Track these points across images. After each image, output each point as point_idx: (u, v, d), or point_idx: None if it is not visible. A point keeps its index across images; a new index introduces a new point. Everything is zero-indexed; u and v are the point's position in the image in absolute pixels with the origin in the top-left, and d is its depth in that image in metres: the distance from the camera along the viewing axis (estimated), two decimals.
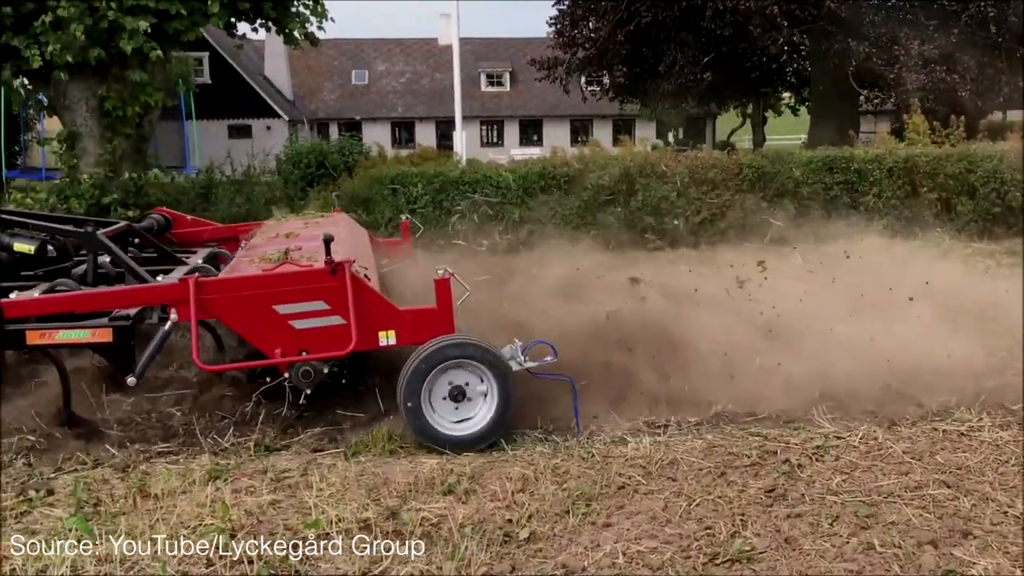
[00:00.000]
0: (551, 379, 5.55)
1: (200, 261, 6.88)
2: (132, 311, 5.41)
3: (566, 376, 5.56)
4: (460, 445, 5.17)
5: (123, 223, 7.30)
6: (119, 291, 5.56)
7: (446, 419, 5.26)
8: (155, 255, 7.29)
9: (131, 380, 5.14)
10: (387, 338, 5.33)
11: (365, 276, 5.51)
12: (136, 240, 7.38)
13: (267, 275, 5.34)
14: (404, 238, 8.22)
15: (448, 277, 5.38)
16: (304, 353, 5.23)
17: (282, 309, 5.20)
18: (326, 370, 5.34)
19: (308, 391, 5.37)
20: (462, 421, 5.27)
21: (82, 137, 15.11)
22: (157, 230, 7.74)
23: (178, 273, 5.83)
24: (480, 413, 5.27)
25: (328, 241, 5.24)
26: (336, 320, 5.21)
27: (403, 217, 8.89)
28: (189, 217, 8.45)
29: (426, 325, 5.33)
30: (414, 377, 5.15)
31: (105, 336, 5.26)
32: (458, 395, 5.24)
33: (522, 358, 5.38)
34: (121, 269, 6.22)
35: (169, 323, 5.25)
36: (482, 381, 5.26)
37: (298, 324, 5.22)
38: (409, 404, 5.16)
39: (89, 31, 13.64)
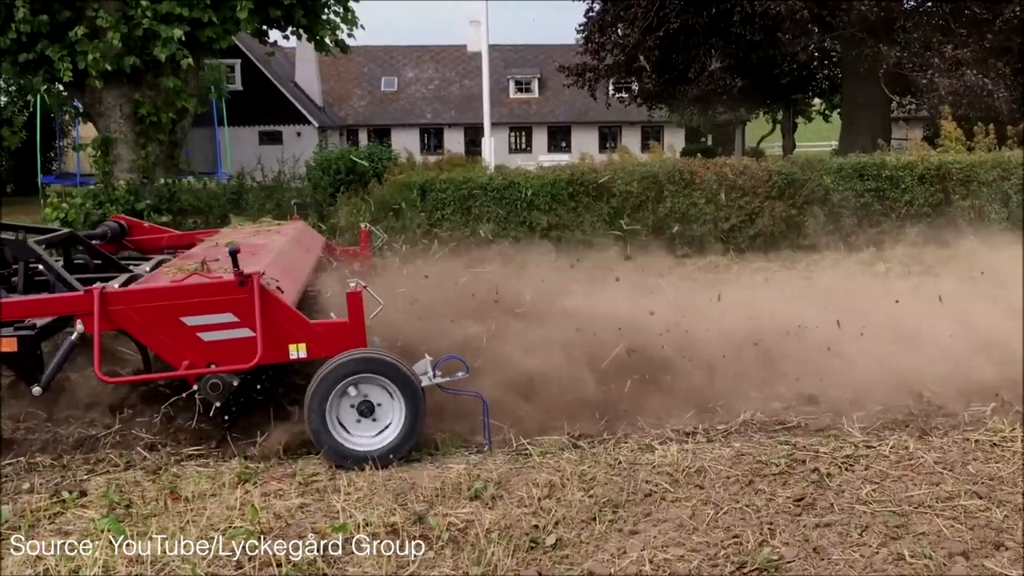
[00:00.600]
0: (461, 395, 5.49)
1: (148, 269, 6.75)
2: (39, 321, 5.38)
3: (475, 392, 5.49)
4: (366, 460, 5.10)
5: (65, 231, 7.23)
6: (22, 301, 5.50)
7: (352, 433, 5.21)
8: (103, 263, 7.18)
9: (36, 390, 5.16)
10: (298, 351, 5.28)
11: (277, 288, 5.42)
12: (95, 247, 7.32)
13: (173, 286, 5.28)
14: (363, 247, 8.24)
15: (360, 290, 5.33)
16: (212, 365, 5.17)
17: (190, 321, 5.16)
18: (236, 382, 5.25)
19: (218, 403, 5.28)
20: (369, 436, 5.21)
21: (116, 143, 15.29)
22: (111, 237, 7.75)
23: (117, 282, 5.79)
24: (388, 428, 5.21)
25: (235, 253, 5.18)
26: (245, 332, 5.16)
27: (363, 226, 8.88)
28: (147, 224, 8.48)
29: (338, 338, 5.27)
30: (319, 390, 5.10)
31: (10, 346, 5.25)
32: (366, 409, 5.19)
33: (432, 373, 5.31)
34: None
35: (75, 334, 5.20)
36: (391, 396, 5.19)
37: (206, 336, 5.17)
38: (313, 417, 5.11)
39: (124, 39, 13.83)
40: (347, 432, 5.20)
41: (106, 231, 7.81)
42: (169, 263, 6.53)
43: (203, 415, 5.56)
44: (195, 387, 5.26)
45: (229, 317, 5.16)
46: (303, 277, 6.52)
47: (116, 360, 6.24)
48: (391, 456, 5.12)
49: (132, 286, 5.57)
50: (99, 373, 5.12)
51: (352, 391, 5.18)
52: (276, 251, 6.56)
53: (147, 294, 5.28)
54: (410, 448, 5.19)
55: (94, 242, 7.43)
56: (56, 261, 6.41)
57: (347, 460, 5.11)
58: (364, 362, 5.15)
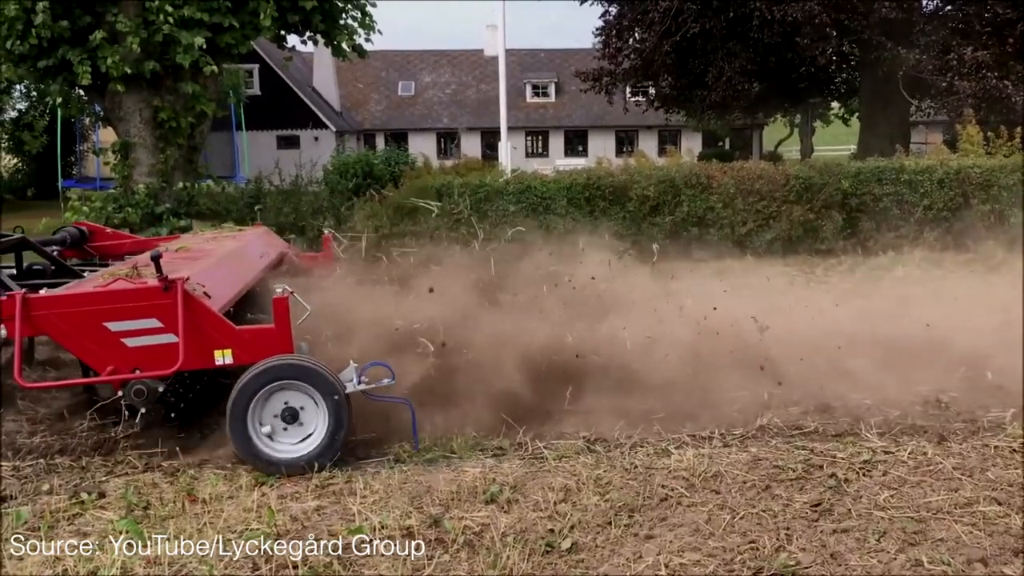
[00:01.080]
0: (387, 401, 5.45)
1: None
2: None
3: (403, 398, 5.46)
4: (288, 468, 5.06)
5: (16, 236, 7.19)
6: None
7: (275, 440, 5.16)
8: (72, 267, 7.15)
9: None
10: (223, 357, 5.25)
11: (204, 294, 5.38)
12: (55, 251, 7.33)
13: (96, 292, 5.25)
14: (326, 252, 8.25)
15: (286, 296, 5.30)
16: (137, 371, 5.15)
17: (114, 326, 5.12)
18: (161, 388, 5.23)
19: (143, 410, 5.27)
20: (292, 443, 5.16)
21: (136, 147, 15.44)
22: (71, 243, 7.76)
23: (67, 287, 5.75)
24: (311, 436, 5.16)
25: (157, 258, 5.16)
26: (170, 338, 5.12)
27: (325, 231, 8.86)
28: (109, 230, 8.50)
29: (263, 344, 5.24)
30: (240, 396, 5.07)
31: None
32: (289, 416, 5.15)
33: (357, 380, 5.25)
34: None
35: None
36: (315, 403, 5.14)
37: (130, 342, 5.14)
38: (235, 424, 5.07)
39: (144, 44, 13.95)
40: (269, 439, 5.15)
41: (65, 237, 7.81)
42: (105, 269, 6.53)
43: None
44: (120, 393, 5.26)
45: (154, 323, 5.14)
46: (242, 283, 6.47)
47: None
48: (315, 464, 5.07)
49: (55, 291, 5.52)
50: (19, 378, 5.09)
51: (276, 398, 5.15)
52: (216, 257, 6.54)
53: (70, 299, 5.25)
54: (333, 456, 5.12)
55: (53, 248, 7.44)
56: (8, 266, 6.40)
57: (270, 467, 5.06)
58: (286, 368, 5.12)
